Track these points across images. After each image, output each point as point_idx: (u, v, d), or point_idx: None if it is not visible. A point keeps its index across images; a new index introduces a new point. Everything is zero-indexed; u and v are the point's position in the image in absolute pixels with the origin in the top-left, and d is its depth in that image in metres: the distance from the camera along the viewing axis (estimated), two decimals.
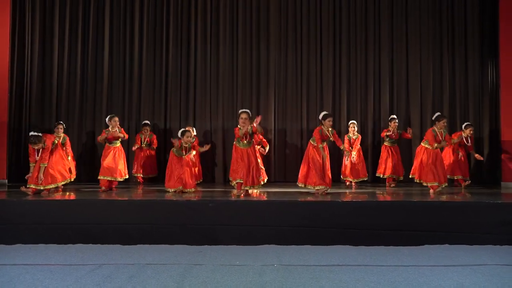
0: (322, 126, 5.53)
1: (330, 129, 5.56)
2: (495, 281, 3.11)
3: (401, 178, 6.96)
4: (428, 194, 5.40)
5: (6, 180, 7.06)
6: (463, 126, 6.73)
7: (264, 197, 5.28)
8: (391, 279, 3.14)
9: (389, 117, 7.22)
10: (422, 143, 5.83)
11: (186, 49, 7.88)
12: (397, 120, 7.02)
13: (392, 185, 6.82)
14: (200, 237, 4.35)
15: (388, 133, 6.85)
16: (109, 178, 5.84)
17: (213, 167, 7.77)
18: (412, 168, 6.05)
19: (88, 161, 7.63)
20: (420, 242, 4.27)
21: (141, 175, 7.19)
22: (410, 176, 6.16)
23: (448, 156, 6.62)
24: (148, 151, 7.28)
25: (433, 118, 5.90)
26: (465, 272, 3.30)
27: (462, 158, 6.67)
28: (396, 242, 4.27)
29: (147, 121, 7.43)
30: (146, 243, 4.30)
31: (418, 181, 5.82)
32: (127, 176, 6.17)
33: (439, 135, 5.64)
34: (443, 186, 5.56)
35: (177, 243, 4.28)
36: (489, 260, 3.69)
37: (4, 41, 7.34)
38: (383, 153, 6.95)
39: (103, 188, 5.79)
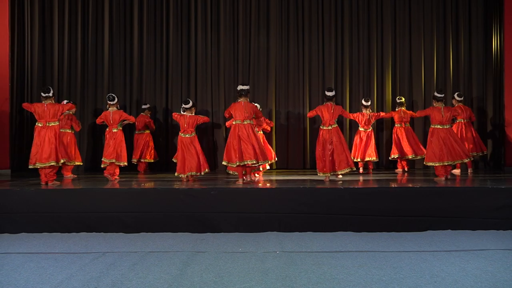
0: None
1: None
2: (498, 265, 3.10)
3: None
4: (431, 180, 5.38)
5: (9, 170, 7.09)
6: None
7: (266, 184, 5.28)
8: (393, 264, 3.14)
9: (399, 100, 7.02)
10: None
11: (187, 34, 7.82)
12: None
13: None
14: (202, 224, 4.36)
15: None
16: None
17: (215, 154, 7.76)
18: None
19: (91, 147, 7.66)
20: (423, 227, 4.27)
21: (144, 161, 7.18)
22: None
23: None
24: (146, 136, 7.22)
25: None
26: (467, 257, 3.30)
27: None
28: (398, 228, 4.27)
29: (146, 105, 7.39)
30: (148, 231, 4.33)
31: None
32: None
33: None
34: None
35: (180, 231, 4.31)
36: (492, 245, 3.69)
37: (4, 29, 7.28)
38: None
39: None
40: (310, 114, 5.65)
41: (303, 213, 4.39)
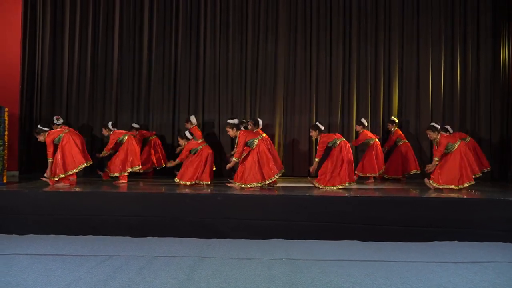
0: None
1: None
2: (505, 278, 3.09)
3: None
4: (437, 191, 5.36)
5: (18, 172, 7.15)
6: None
7: (273, 192, 5.28)
8: (400, 274, 3.13)
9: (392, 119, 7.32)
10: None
11: (195, 41, 7.86)
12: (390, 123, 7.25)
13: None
14: (209, 230, 4.37)
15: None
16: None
17: (221, 162, 7.76)
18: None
19: (98, 152, 7.70)
20: (429, 238, 4.26)
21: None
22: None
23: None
24: (153, 141, 7.22)
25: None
26: (474, 269, 3.29)
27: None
28: (405, 238, 4.26)
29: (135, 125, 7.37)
30: (155, 235, 4.34)
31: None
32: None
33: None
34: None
35: (186, 236, 4.32)
36: (499, 257, 3.67)
37: (16, 34, 7.40)
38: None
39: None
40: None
41: (309, 221, 4.39)
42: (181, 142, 6.19)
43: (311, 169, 5.67)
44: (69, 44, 7.81)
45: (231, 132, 5.42)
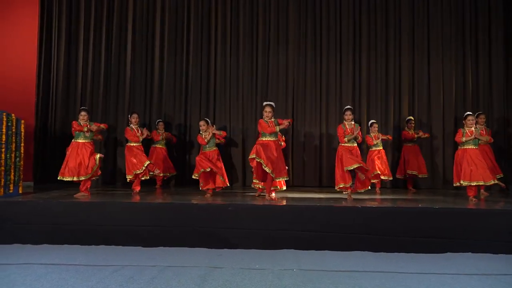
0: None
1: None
2: None
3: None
4: (451, 201, 5.29)
5: (32, 182, 7.30)
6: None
7: (283, 202, 5.28)
8: (412, 286, 3.10)
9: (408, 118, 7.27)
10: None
11: (207, 53, 8.00)
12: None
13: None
14: (220, 240, 4.39)
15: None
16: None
17: (231, 170, 7.81)
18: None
19: (110, 162, 7.81)
20: (442, 249, 4.20)
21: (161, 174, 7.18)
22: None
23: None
24: (162, 149, 7.23)
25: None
26: (489, 282, 3.23)
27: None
28: (417, 249, 4.21)
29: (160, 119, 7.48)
30: (166, 245, 4.37)
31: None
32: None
33: (468, 132, 5.49)
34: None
35: (197, 246, 4.34)
36: None
37: (32, 47, 7.63)
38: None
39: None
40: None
41: (320, 231, 4.37)
42: (205, 127, 5.94)
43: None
44: (83, 57, 8.00)
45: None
